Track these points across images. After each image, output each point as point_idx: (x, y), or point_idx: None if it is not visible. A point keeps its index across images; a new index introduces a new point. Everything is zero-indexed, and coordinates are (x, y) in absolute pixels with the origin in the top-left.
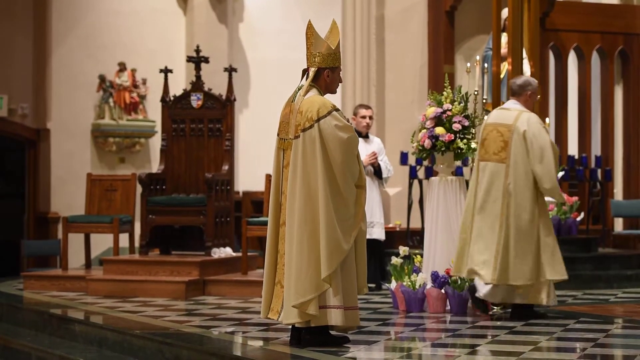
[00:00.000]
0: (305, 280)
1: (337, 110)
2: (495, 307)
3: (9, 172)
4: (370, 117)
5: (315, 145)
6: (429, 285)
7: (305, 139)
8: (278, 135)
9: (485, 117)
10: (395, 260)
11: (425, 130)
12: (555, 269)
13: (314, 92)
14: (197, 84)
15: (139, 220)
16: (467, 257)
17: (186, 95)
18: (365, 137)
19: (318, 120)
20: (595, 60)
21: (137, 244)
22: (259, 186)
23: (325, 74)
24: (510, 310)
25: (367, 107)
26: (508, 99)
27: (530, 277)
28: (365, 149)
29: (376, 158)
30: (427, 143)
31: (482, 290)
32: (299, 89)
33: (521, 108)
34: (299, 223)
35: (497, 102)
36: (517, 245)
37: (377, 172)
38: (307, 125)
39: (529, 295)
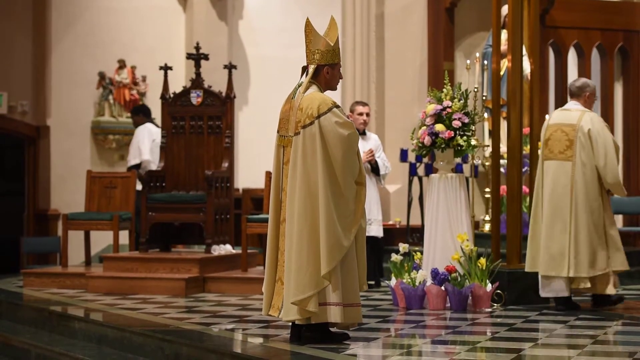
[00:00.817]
0: (304, 277)
1: (337, 107)
2: (494, 304)
3: (8, 170)
4: (367, 114)
5: (315, 142)
6: (429, 282)
7: (305, 136)
8: (278, 132)
9: (547, 118)
10: (395, 257)
11: (425, 127)
12: (619, 260)
13: (314, 89)
14: (196, 81)
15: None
16: (541, 254)
17: (186, 92)
18: (363, 134)
19: (318, 117)
20: (595, 57)
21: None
22: (258, 183)
23: (324, 70)
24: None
25: (364, 104)
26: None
27: (601, 268)
28: (362, 146)
29: (373, 155)
30: (427, 140)
31: (557, 288)
32: (298, 86)
33: (582, 108)
34: (298, 220)
35: (497, 99)
36: (587, 239)
37: (375, 169)
38: (308, 122)
39: (597, 286)
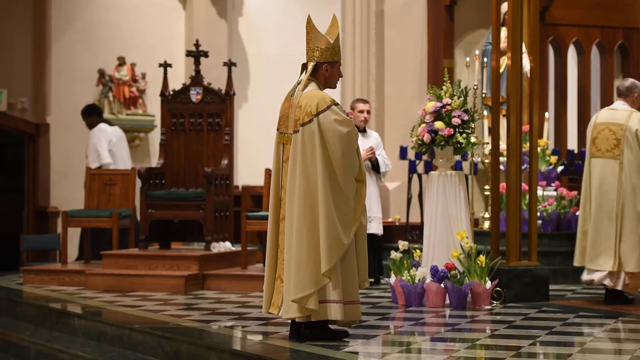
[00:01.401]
0: (305, 275)
1: (336, 104)
2: (494, 302)
3: (8, 167)
4: (368, 112)
5: (314, 140)
6: (429, 279)
7: (304, 134)
8: (278, 129)
9: (592, 117)
10: (394, 254)
11: (424, 125)
12: None
13: (313, 87)
14: (196, 79)
15: (138, 214)
16: (588, 249)
17: (185, 89)
18: (363, 131)
19: (317, 114)
20: (594, 54)
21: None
22: (258, 181)
23: (324, 68)
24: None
25: (365, 102)
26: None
27: None
28: (362, 144)
29: (373, 153)
30: (427, 137)
31: (597, 276)
32: (297, 84)
33: (630, 108)
34: (298, 218)
35: (496, 97)
36: (632, 236)
37: (375, 167)
38: (307, 120)
39: (631, 283)
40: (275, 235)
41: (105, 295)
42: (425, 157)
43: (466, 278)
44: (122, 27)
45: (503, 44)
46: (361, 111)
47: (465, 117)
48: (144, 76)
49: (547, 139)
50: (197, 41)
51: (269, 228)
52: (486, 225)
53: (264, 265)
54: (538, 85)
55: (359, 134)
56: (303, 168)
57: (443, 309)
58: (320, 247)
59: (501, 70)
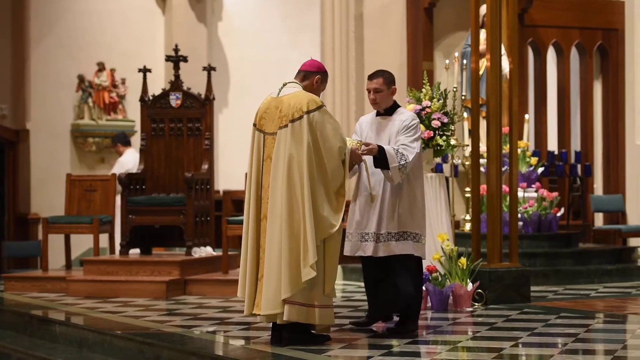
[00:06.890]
0: (296, 274)
1: (324, 106)
2: (475, 304)
3: None
4: (376, 90)
5: (303, 136)
6: None
7: (294, 129)
8: (257, 127)
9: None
10: None
11: None
12: None
13: (299, 89)
14: (176, 84)
15: (119, 220)
16: None
17: (165, 94)
18: (384, 114)
19: (308, 112)
20: (574, 55)
21: (117, 244)
22: (238, 185)
23: (316, 78)
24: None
25: (371, 78)
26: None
27: None
28: (377, 132)
29: (368, 146)
30: None
31: None
32: (283, 85)
33: None
34: (282, 215)
35: (476, 99)
36: None
37: (380, 162)
38: (297, 117)
39: None
40: (256, 235)
41: (87, 302)
42: None
43: (447, 280)
44: (102, 33)
45: (482, 46)
46: (368, 90)
47: (445, 120)
48: (123, 81)
49: (527, 141)
50: (176, 46)
51: (249, 227)
52: (467, 227)
53: (243, 267)
54: (517, 86)
55: (378, 119)
56: (291, 162)
57: (424, 311)
58: (307, 239)
59: (480, 72)
